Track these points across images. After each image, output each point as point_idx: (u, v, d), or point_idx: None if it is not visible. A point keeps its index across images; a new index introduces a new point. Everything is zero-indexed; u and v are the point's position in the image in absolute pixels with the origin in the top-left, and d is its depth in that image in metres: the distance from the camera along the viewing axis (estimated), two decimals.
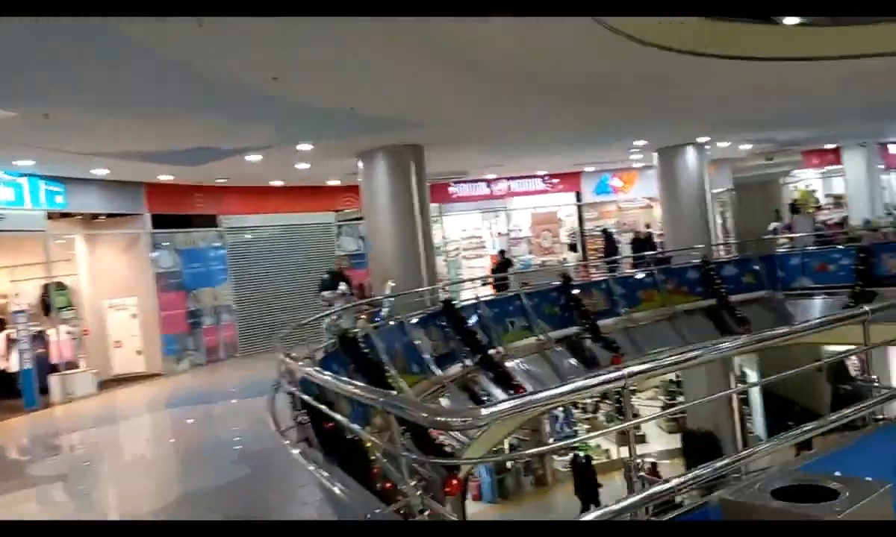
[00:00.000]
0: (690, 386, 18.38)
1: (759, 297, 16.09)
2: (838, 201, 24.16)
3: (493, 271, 19.12)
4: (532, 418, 15.66)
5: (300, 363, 5.00)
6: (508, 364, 11.87)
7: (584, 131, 15.19)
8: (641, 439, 21.59)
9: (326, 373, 4.28)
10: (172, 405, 13.86)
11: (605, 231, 21.27)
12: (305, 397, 4.58)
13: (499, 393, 10.92)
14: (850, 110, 16.11)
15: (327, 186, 19.05)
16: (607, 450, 21.22)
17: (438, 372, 10.52)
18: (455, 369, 10.97)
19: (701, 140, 17.72)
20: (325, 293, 12.49)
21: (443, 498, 6.54)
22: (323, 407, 4.15)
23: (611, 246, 20.27)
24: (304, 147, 12.92)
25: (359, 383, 3.94)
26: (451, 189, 21.10)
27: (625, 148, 18.32)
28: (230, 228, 18.40)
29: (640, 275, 15.78)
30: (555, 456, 20.65)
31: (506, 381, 11.13)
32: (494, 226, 22.82)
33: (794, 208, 23.07)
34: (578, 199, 22.66)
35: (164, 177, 15.15)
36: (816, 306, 15.76)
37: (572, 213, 22.85)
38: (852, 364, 23.83)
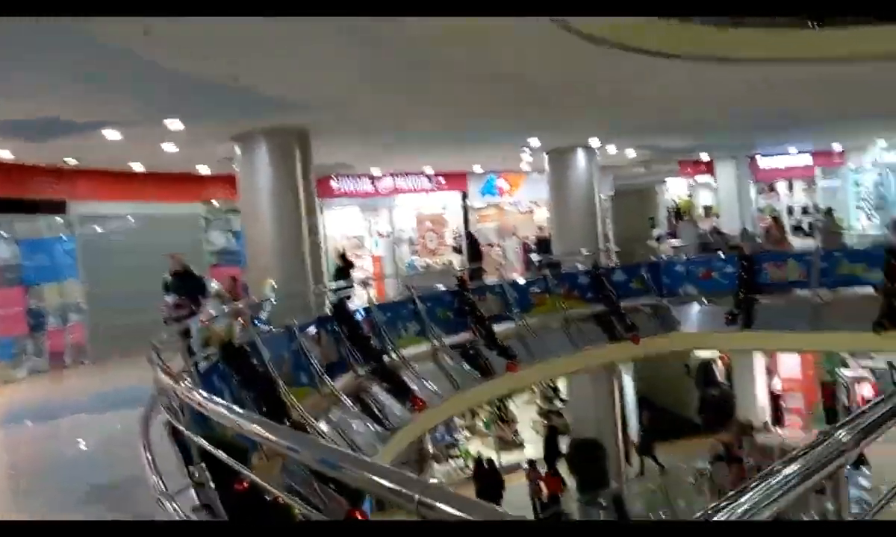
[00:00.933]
0: (575, 393, 18.15)
1: (646, 304, 16.02)
2: (707, 211, 24.95)
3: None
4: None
5: (182, 385, 3.76)
6: (405, 373, 10.90)
7: (479, 120, 14.37)
8: (519, 445, 21.28)
9: (222, 404, 3.02)
10: (4, 421, 11.81)
11: (469, 234, 20.39)
12: (201, 442, 3.32)
13: (394, 404, 9.94)
14: (747, 117, 16.38)
15: (196, 174, 17.28)
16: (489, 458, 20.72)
17: (329, 382, 9.38)
18: (346, 379, 9.88)
19: (592, 143, 17.50)
20: (169, 297, 10.85)
21: None
22: (231, 461, 2.91)
23: (476, 250, 19.49)
24: (174, 124, 11.30)
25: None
26: (333, 183, 19.84)
27: (517, 146, 17.79)
28: (82, 217, 16.21)
29: (532, 281, 15.26)
30: (436, 465, 19.94)
31: (402, 392, 10.15)
32: (376, 224, 21.78)
33: (678, 215, 23.55)
34: (465, 200, 22.03)
35: (2, 154, 13.02)
36: (701, 313, 15.87)
37: (459, 214, 22.20)
38: (719, 370, 24.70)
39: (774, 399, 23.14)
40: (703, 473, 16.27)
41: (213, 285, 11.18)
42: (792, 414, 22.82)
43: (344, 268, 16.01)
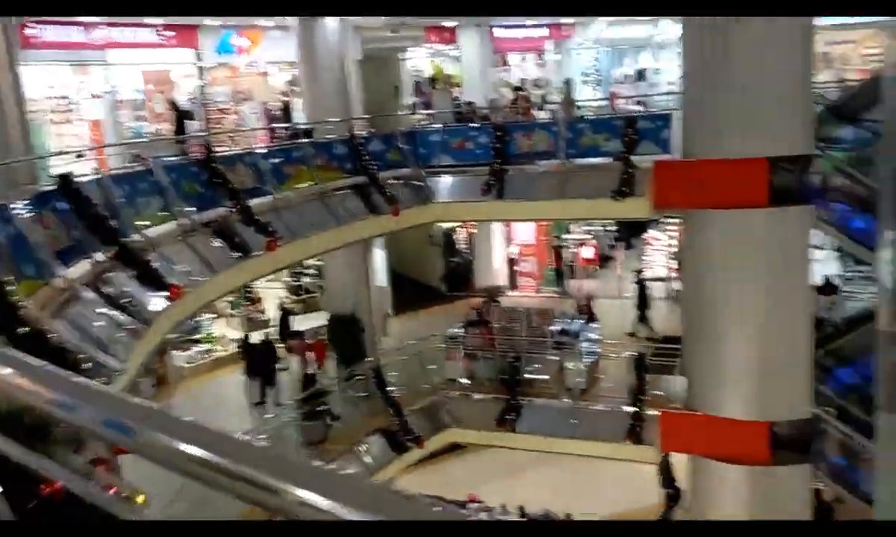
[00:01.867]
0: (330, 267, 17.55)
1: (403, 175, 15.63)
2: (450, 81, 24.99)
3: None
4: None
5: None
6: (151, 256, 9.37)
7: None
8: (266, 323, 20.38)
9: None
10: None
11: (172, 103, 17.65)
12: None
13: (149, 297, 8.52)
14: None
15: None
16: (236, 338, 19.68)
17: (63, 271, 7.68)
18: (83, 266, 8.20)
19: None
20: None
21: None
22: (27, 456, 1.59)
23: (181, 122, 16.84)
24: None
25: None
26: (29, 31, 16.29)
27: None
28: None
29: (282, 150, 13.99)
30: (176, 353, 18.46)
31: (152, 279, 8.71)
32: (86, 84, 18.52)
33: (433, 83, 23.16)
34: (198, 60, 19.52)
35: None
36: (456, 183, 15.89)
37: (192, 75, 19.68)
38: (461, 239, 25.63)
39: (511, 264, 24.68)
40: (454, 338, 16.79)
41: None
42: (526, 278, 24.58)
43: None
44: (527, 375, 15.53)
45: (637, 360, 14.65)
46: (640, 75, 30.33)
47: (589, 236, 24.71)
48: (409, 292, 24.16)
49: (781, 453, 13.35)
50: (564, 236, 23.68)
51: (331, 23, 16.61)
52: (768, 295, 12.85)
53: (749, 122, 12.53)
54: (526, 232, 24.16)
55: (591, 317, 17.36)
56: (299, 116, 18.40)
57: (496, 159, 15.06)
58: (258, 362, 16.37)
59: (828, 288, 17.61)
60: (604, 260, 25.71)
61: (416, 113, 19.62)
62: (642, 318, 19.27)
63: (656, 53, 30.47)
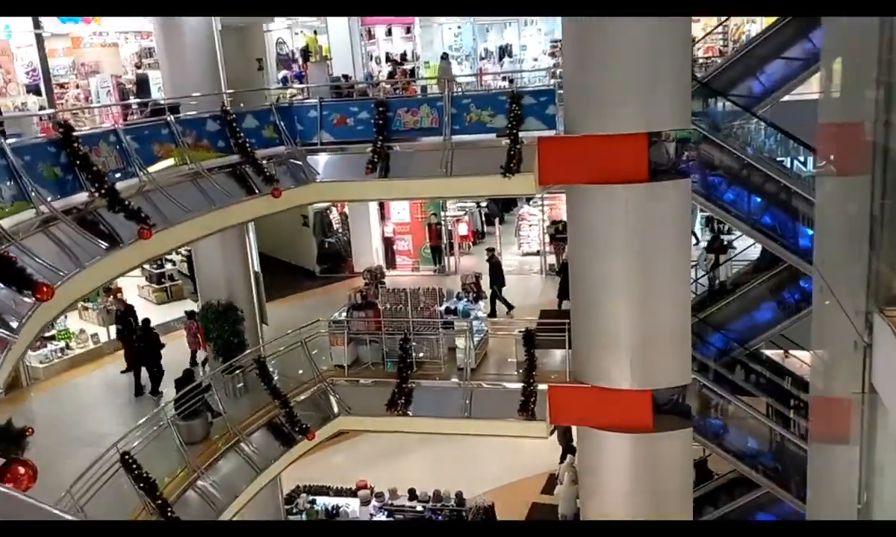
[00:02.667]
0: (202, 253, 16.40)
1: (280, 153, 14.80)
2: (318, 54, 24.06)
3: None
4: None
5: None
6: (10, 251, 8.22)
7: None
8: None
9: None
10: None
11: None
12: None
13: (10, 296, 7.44)
14: None
15: None
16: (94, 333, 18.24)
17: None
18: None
19: None
20: None
21: None
22: None
23: None
24: None
25: None
26: None
27: None
28: None
29: (146, 126, 12.74)
30: (31, 352, 16.72)
31: (18, 280, 7.63)
32: None
33: (306, 56, 22.01)
34: (37, 27, 17.51)
35: None
36: (337, 162, 15.24)
37: (31, 45, 17.64)
38: (335, 219, 24.90)
39: (386, 243, 24.28)
40: (338, 323, 16.21)
41: None
42: (402, 257, 24.28)
43: None
44: (417, 357, 15.25)
45: (525, 336, 14.74)
46: (504, 52, 30.60)
47: (462, 213, 24.75)
48: (282, 276, 23.24)
49: (663, 419, 13.95)
50: (442, 213, 23.54)
51: None
52: (647, 268, 13.30)
53: (628, 97, 12.82)
54: (401, 210, 23.83)
55: (479, 296, 17.33)
56: (158, 93, 16.98)
57: (379, 136, 14.56)
58: (140, 353, 15.33)
59: (717, 244, 18.56)
60: (478, 236, 25.89)
61: (290, 87, 18.64)
62: (496, 296, 19.48)
63: (521, 29, 30.79)
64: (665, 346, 13.51)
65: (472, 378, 14.97)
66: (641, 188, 13.08)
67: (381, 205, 23.57)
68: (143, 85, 16.67)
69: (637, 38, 12.40)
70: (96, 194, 10.55)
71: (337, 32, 22.70)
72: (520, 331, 14.95)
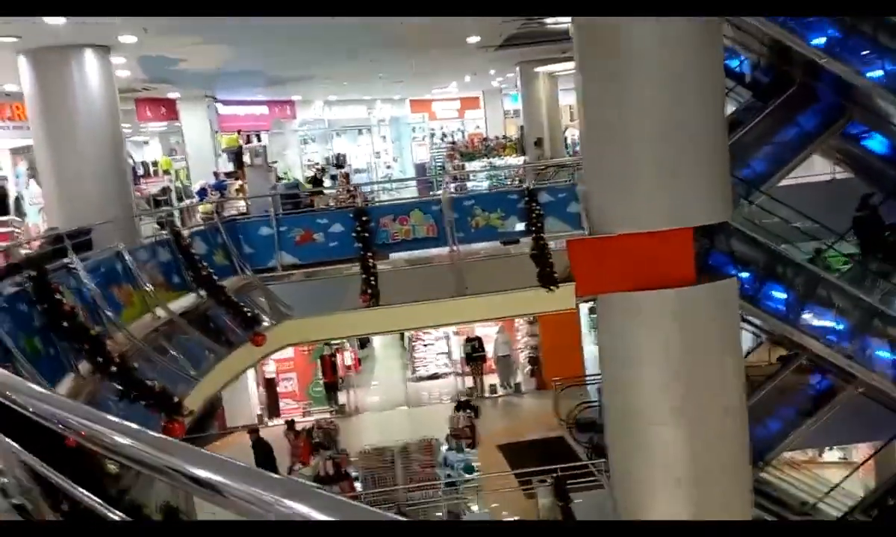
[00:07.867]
0: None
1: (241, 284, 10.97)
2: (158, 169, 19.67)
3: None
4: None
5: None
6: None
7: None
8: None
9: None
10: None
11: None
12: None
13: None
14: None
15: None
16: None
17: None
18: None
19: (124, 40, 10.93)
20: None
21: None
22: None
23: None
24: None
25: None
26: None
27: None
28: None
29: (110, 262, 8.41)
30: None
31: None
32: None
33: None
34: None
35: None
36: (311, 289, 11.69)
37: None
38: None
39: (268, 385, 20.06)
40: None
41: None
42: (287, 399, 20.18)
43: None
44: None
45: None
46: (338, 160, 28.35)
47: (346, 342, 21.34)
48: None
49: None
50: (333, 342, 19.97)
51: (90, 65, 11.10)
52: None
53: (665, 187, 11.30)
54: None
55: (474, 442, 14.16)
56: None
57: (366, 252, 11.45)
58: None
59: None
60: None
61: (209, 201, 14.41)
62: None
63: (355, 138, 28.80)
64: None
65: None
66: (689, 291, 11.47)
67: None
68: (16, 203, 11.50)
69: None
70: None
71: (197, 137, 18.78)
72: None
